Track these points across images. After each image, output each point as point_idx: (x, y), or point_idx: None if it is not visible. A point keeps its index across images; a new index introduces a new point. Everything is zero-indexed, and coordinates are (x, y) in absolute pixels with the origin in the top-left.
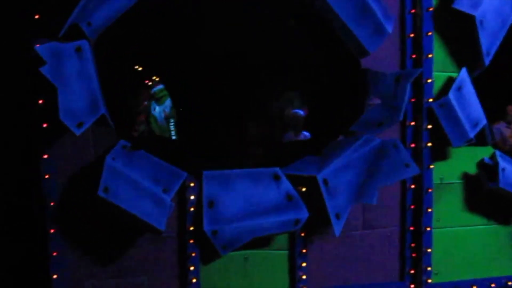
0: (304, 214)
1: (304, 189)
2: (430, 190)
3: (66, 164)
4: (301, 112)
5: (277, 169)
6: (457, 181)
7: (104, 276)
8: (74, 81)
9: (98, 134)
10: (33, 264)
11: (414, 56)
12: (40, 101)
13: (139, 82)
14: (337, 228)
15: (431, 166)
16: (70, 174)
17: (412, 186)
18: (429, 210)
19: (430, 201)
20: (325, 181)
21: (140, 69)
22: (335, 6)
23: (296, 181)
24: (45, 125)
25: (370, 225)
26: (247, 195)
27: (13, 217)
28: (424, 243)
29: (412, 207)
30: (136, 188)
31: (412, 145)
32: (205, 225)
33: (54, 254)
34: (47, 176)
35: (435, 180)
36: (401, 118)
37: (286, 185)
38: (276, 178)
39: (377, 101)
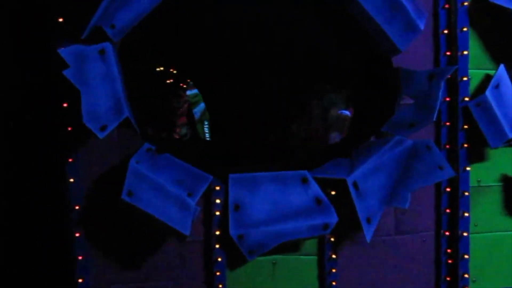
0: (333, 219)
1: (333, 193)
2: (466, 193)
3: (91, 167)
4: (347, 113)
5: (305, 172)
6: (496, 183)
7: (129, 281)
8: (97, 84)
9: (123, 137)
10: (58, 268)
11: (448, 53)
12: (65, 105)
13: (175, 84)
14: (368, 232)
15: (468, 168)
16: (95, 178)
17: (448, 189)
18: (466, 214)
19: (467, 205)
20: (355, 184)
21: (175, 72)
22: (364, 4)
23: (325, 184)
24: (69, 129)
25: (403, 230)
26: (274, 198)
27: (38, 222)
28: (461, 248)
29: (448, 211)
30: (161, 192)
31: (447, 146)
32: (231, 230)
33: (80, 258)
34: (72, 180)
35: (472, 182)
36: (435, 118)
37: (315, 188)
38: (304, 181)
39: (409, 100)
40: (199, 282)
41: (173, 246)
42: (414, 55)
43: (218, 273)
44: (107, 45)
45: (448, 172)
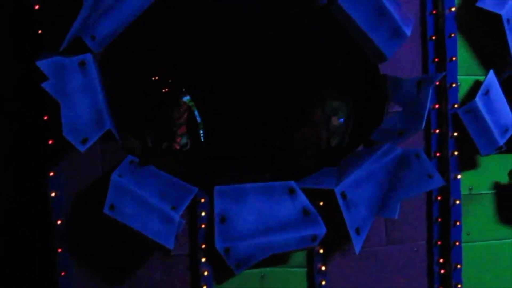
0: (321, 230)
1: (321, 203)
2: (457, 202)
3: (73, 181)
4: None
5: (292, 183)
6: (488, 191)
7: None
8: (77, 96)
9: (106, 150)
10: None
11: (437, 59)
12: (45, 117)
13: (173, 93)
14: (357, 243)
15: (459, 176)
16: (77, 192)
17: (439, 198)
18: (458, 223)
19: (459, 214)
20: (343, 194)
21: (170, 81)
22: (349, 10)
23: (313, 195)
24: (50, 142)
25: (394, 240)
26: (261, 210)
27: (20, 237)
28: (453, 258)
29: (440, 220)
30: (143, 206)
31: (438, 154)
32: (216, 243)
33: (62, 274)
34: (53, 194)
35: (464, 191)
36: (423, 126)
37: (302, 199)
38: (291, 192)
39: (398, 108)
40: None
41: (158, 260)
42: (402, 62)
43: (204, 287)
44: (88, 57)
45: (438, 181)
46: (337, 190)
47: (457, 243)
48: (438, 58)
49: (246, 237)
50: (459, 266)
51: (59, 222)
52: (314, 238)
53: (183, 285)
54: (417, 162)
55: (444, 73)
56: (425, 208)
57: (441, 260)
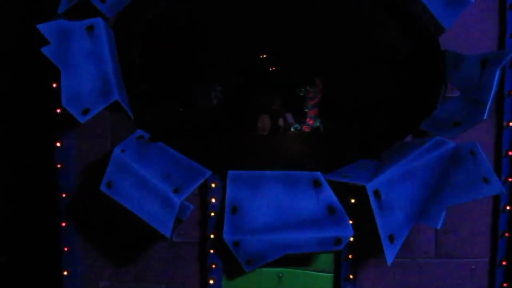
0: (347, 232)
1: (353, 201)
2: None
3: (81, 153)
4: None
5: (318, 174)
6: None
7: (118, 279)
8: (81, 63)
9: (116, 122)
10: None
11: None
12: (54, 85)
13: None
14: (390, 253)
15: None
16: (84, 165)
17: (508, 208)
18: None
19: None
20: (377, 193)
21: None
22: None
23: (344, 190)
24: (58, 111)
25: (447, 252)
26: (279, 202)
27: (26, 211)
28: None
29: (507, 235)
30: (143, 185)
31: (510, 153)
32: (225, 234)
33: (66, 249)
34: (59, 166)
35: None
36: (485, 117)
37: (328, 194)
38: (316, 184)
39: (457, 92)
40: None
41: (167, 246)
42: (471, 35)
43: (211, 281)
44: (98, 21)
45: (495, 187)
46: (370, 187)
47: None
48: None
49: (259, 232)
50: None
51: (64, 195)
52: (338, 241)
53: (191, 276)
54: (472, 161)
55: None
56: (489, 218)
57: (505, 285)
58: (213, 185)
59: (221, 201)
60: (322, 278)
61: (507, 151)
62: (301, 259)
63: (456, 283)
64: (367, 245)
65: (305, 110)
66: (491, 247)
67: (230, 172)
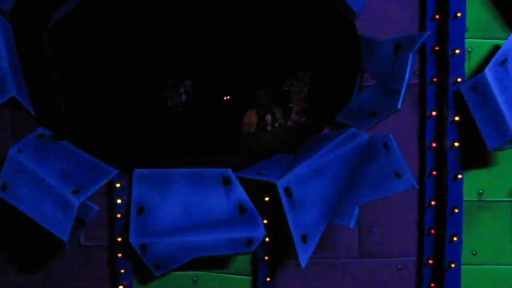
0: (259, 233)
1: (267, 199)
2: (457, 210)
3: None
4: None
5: (228, 171)
6: (505, 198)
7: (26, 283)
8: None
9: (16, 120)
10: None
11: (437, 16)
12: None
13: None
14: (303, 254)
15: (460, 176)
16: None
17: (433, 203)
18: (455, 238)
19: (459, 226)
20: (288, 190)
21: None
22: None
23: (257, 188)
24: None
25: (371, 251)
26: (188, 201)
27: None
28: (449, 283)
29: (433, 232)
30: (39, 187)
31: (434, 145)
32: (131, 237)
33: None
34: None
35: (469, 195)
36: (399, 106)
37: (239, 192)
38: (226, 182)
39: (372, 81)
40: None
41: (76, 249)
42: (390, 18)
43: (121, 287)
44: None
45: (406, 182)
46: (280, 184)
47: (453, 265)
48: (439, 15)
49: (167, 233)
50: None
51: None
52: (249, 242)
53: (102, 282)
54: (385, 154)
55: (428, 33)
56: (416, 213)
57: (432, 285)
58: (117, 185)
59: (128, 201)
60: (239, 281)
61: (431, 142)
62: (217, 262)
63: (382, 284)
64: (285, 245)
65: (290, 106)
66: (418, 245)
67: (136, 171)
